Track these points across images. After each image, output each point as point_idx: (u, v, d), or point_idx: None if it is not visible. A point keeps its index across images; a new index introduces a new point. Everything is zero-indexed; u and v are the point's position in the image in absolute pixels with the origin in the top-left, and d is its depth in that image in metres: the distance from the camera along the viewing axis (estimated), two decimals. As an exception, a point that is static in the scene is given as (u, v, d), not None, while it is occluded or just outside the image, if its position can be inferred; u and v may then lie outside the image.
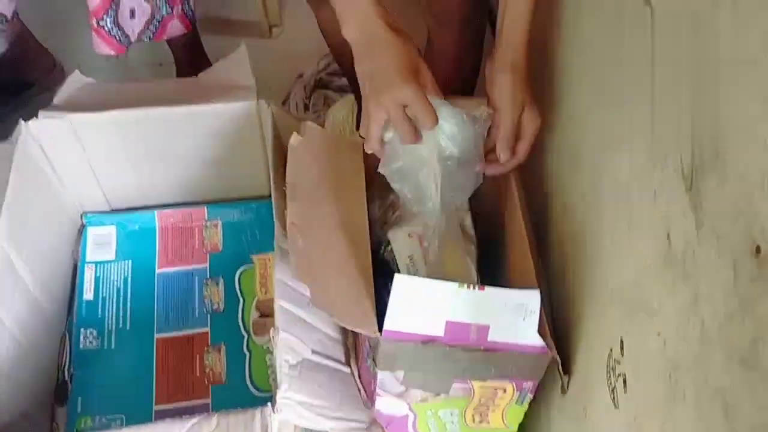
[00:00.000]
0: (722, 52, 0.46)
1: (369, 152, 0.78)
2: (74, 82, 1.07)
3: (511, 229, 0.87)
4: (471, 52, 1.16)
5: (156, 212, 1.14)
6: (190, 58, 1.36)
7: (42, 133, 0.99)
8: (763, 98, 0.41)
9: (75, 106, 1.02)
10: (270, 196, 1.14)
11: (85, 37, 1.58)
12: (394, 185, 0.77)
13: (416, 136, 0.74)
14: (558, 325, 0.81)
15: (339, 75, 1.55)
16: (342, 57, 1.35)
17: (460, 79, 1.20)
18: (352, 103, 1.30)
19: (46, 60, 1.53)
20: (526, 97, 0.80)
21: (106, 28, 1.17)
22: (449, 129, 0.74)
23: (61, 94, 1.04)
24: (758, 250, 0.41)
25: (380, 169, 0.77)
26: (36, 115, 1.00)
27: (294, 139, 0.89)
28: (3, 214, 0.88)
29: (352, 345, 0.90)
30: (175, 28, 1.26)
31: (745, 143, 0.43)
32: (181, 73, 1.41)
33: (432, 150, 0.74)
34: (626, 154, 0.64)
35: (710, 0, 0.47)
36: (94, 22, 1.16)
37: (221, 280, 1.08)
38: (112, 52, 1.21)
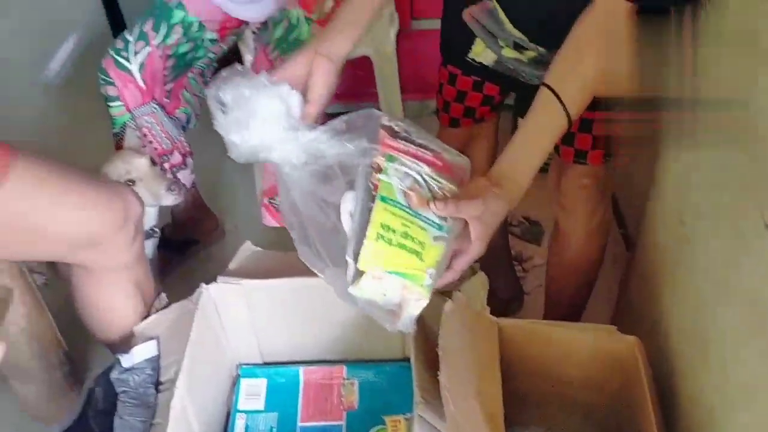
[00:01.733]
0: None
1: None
2: (245, 251, 1.25)
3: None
4: (594, 241, 1.26)
5: (301, 368, 1.26)
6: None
7: (218, 295, 1.16)
8: None
9: (246, 272, 1.19)
10: (402, 359, 1.25)
11: (242, 207, 1.82)
12: None
13: None
14: None
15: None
16: None
17: (586, 263, 1.29)
18: (484, 279, 1.41)
19: (211, 222, 1.76)
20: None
21: (274, 204, 1.37)
22: None
23: (235, 261, 1.22)
24: None
25: None
26: (198, 275, 1.17)
27: (448, 306, 0.99)
28: (184, 367, 1.03)
29: None
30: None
31: None
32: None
33: None
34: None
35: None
36: (265, 200, 1.36)
37: (356, 439, 1.17)
38: (277, 225, 1.40)
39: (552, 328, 1.08)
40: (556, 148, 1.16)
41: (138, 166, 1.27)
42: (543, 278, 1.43)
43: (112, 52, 1.39)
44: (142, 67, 1.38)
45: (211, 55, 1.51)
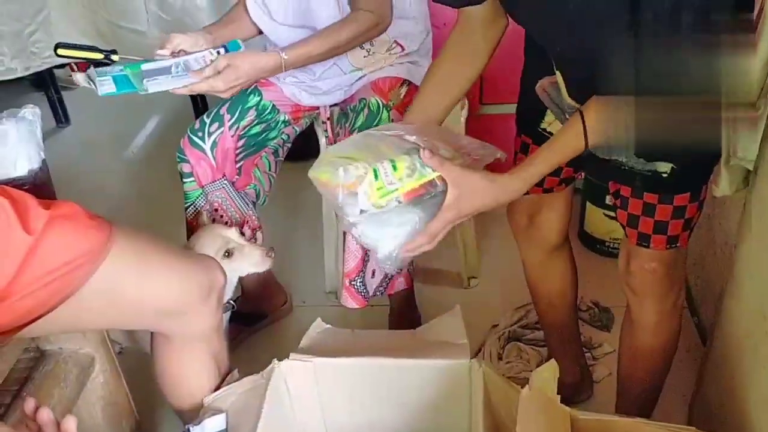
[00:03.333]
0: None
1: None
2: (316, 328, 1.27)
3: None
4: (666, 327, 1.23)
5: (366, 449, 1.25)
6: (405, 308, 1.56)
7: (289, 371, 1.18)
8: None
9: (317, 350, 1.20)
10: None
11: (309, 281, 1.85)
12: None
13: None
14: None
15: (532, 329, 1.66)
16: (541, 306, 1.47)
17: (658, 350, 1.26)
18: (555, 368, 1.39)
19: (281, 296, 1.80)
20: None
21: (355, 286, 1.40)
22: None
23: (306, 338, 1.24)
24: None
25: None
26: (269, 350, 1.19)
27: (524, 393, 0.99)
28: (255, 442, 1.04)
29: None
30: (400, 284, 1.48)
31: None
32: (393, 316, 1.60)
33: None
34: None
35: None
36: (347, 281, 1.40)
37: None
38: (357, 306, 1.43)
39: (629, 425, 1.04)
40: (623, 229, 1.16)
41: (232, 236, 1.33)
42: (613, 367, 1.40)
43: (189, 132, 1.49)
44: (214, 145, 1.47)
45: (285, 137, 1.58)
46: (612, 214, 1.36)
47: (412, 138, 1.00)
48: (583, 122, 0.96)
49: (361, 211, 0.95)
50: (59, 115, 2.84)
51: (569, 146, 0.98)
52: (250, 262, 1.32)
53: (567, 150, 0.99)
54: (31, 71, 2.38)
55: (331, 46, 1.34)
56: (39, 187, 1.77)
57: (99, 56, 1.37)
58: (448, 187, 0.95)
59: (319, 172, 0.98)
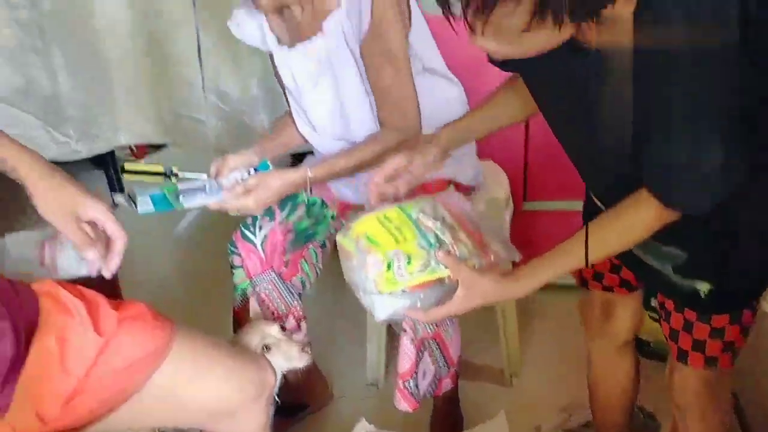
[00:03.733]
0: None
1: None
2: (360, 429, 1.27)
3: None
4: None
5: None
6: (449, 408, 1.56)
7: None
8: None
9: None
10: None
11: (350, 371, 1.85)
12: None
13: None
14: None
15: (577, 433, 1.63)
16: (598, 406, 1.45)
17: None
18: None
19: (322, 386, 1.80)
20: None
21: (408, 388, 1.41)
22: None
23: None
24: None
25: None
26: None
27: None
28: None
29: None
30: (447, 384, 1.48)
31: None
32: (437, 415, 1.59)
33: None
34: None
35: None
36: (400, 383, 1.41)
37: None
38: (410, 409, 1.43)
39: None
40: (666, 340, 1.16)
41: (271, 332, 1.36)
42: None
43: (241, 227, 1.55)
44: (264, 239, 1.52)
45: (332, 230, 1.63)
46: (656, 316, 1.36)
47: (437, 224, 1.07)
48: (587, 236, 0.99)
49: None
50: (117, 193, 2.95)
51: (570, 258, 1.02)
52: (287, 357, 1.34)
53: (568, 261, 1.03)
54: (95, 153, 2.49)
55: (355, 164, 1.42)
56: (105, 279, 1.81)
57: (158, 179, 1.47)
58: (458, 286, 1.02)
59: (344, 241, 1.09)
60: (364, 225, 1.08)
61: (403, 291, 1.02)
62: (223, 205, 1.37)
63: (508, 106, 1.20)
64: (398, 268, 1.02)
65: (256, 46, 1.54)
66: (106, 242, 0.97)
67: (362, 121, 1.48)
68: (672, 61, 0.82)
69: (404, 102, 1.41)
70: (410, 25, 1.42)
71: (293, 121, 1.58)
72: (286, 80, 1.52)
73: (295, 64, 1.47)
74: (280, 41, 1.49)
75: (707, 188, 0.90)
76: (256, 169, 1.45)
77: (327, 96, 1.47)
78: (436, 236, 1.06)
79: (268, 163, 1.48)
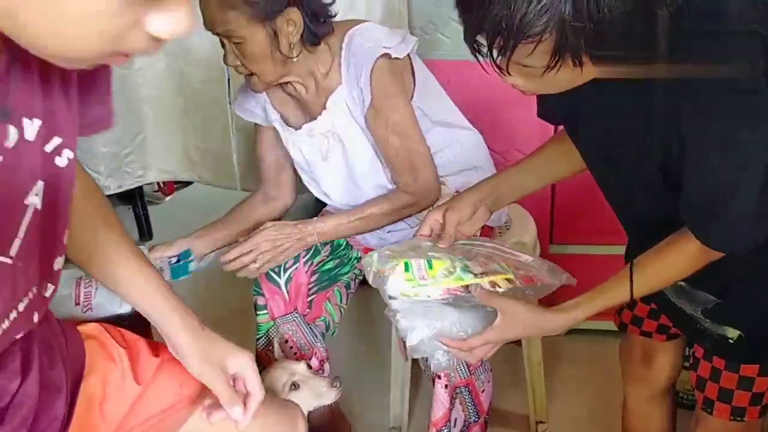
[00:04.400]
0: None
1: None
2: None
3: None
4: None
5: None
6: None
7: None
8: None
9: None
10: None
11: (372, 411, 1.82)
12: None
13: None
14: None
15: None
16: None
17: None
18: None
19: (345, 426, 1.78)
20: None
21: None
22: None
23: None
24: None
25: None
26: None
27: None
28: None
29: None
30: (476, 432, 1.46)
31: None
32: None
33: None
34: None
35: None
36: (434, 431, 1.40)
37: None
38: None
39: None
40: (693, 391, 1.13)
41: (298, 370, 1.35)
42: None
43: None
44: (289, 280, 1.52)
45: (357, 271, 1.62)
46: (686, 364, 1.34)
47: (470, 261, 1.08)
48: (631, 274, 0.98)
49: (390, 297, 1.04)
50: (143, 229, 2.97)
51: (614, 295, 1.02)
52: (316, 394, 1.33)
53: (611, 297, 1.02)
54: (123, 189, 2.52)
55: (361, 217, 1.46)
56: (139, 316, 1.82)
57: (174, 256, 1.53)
58: (498, 313, 1.02)
59: (367, 260, 1.12)
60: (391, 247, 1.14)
61: (428, 297, 1.01)
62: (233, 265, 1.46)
63: (555, 161, 1.20)
64: (418, 269, 1.02)
65: (259, 123, 1.59)
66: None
67: (375, 187, 1.50)
68: (711, 102, 0.83)
69: (414, 166, 1.43)
70: (414, 86, 1.45)
71: (261, 202, 1.64)
72: (296, 157, 1.56)
73: (304, 143, 1.51)
74: (286, 121, 1.53)
75: (744, 229, 0.89)
76: (179, 259, 1.51)
77: (338, 167, 1.51)
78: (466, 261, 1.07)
79: (190, 251, 1.54)
